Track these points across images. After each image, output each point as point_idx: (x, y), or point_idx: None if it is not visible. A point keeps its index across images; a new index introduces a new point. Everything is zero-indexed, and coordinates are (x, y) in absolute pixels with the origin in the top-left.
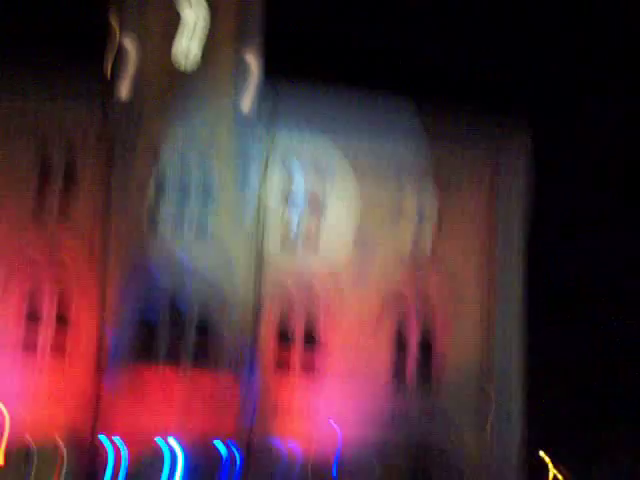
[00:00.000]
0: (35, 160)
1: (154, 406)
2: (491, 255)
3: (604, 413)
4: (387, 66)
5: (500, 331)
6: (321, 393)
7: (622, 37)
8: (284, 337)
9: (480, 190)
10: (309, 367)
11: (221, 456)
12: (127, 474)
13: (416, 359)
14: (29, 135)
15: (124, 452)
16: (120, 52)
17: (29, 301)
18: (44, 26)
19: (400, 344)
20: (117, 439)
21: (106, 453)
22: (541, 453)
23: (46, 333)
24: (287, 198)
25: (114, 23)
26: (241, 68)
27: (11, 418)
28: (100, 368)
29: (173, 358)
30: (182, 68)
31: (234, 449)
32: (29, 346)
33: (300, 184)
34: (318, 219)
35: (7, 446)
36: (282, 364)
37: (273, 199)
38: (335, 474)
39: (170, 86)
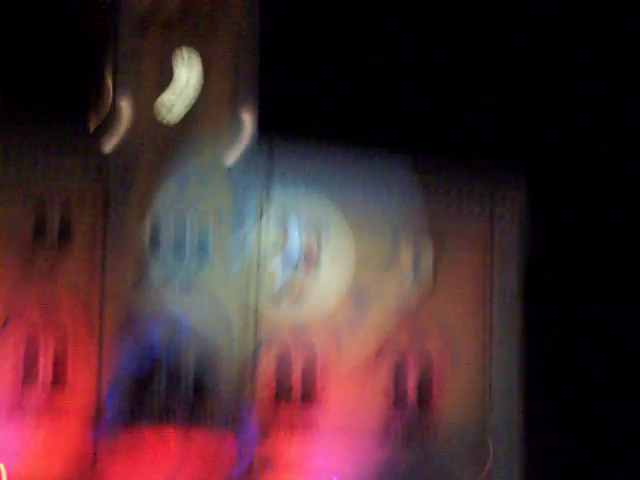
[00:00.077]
0: (30, 219)
1: (150, 465)
2: (487, 307)
3: (602, 465)
4: (382, 123)
5: (498, 382)
6: (318, 448)
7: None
8: (281, 393)
9: (475, 243)
10: (306, 424)
11: None
12: None
13: (413, 411)
14: (25, 193)
15: None
16: (113, 110)
17: (25, 361)
18: (37, 86)
19: (397, 397)
20: None
21: None
22: None
23: (42, 393)
24: (283, 253)
25: (108, 81)
26: (236, 126)
27: (9, 477)
28: (96, 428)
29: (169, 415)
30: (164, 121)
31: None
32: (26, 406)
33: (296, 239)
34: (313, 273)
35: None
36: (279, 421)
37: (269, 254)
38: None
39: (164, 143)
